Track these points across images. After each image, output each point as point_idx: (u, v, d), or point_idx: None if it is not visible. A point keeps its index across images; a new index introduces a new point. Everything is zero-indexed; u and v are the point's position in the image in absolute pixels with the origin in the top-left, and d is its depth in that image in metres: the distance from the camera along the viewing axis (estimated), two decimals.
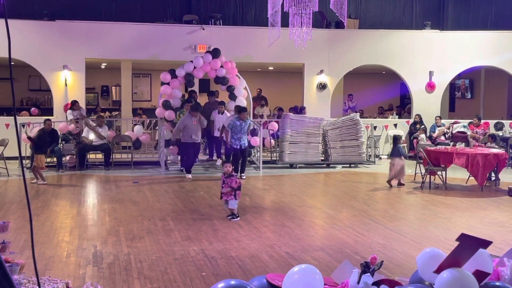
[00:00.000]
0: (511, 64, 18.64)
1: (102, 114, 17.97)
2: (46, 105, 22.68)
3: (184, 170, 13.92)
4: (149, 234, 8.08)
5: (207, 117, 14.92)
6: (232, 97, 15.16)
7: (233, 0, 21.36)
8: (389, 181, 12.62)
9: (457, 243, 3.47)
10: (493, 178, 12.79)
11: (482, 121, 17.83)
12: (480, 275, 3.48)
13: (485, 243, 3.43)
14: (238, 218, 8.99)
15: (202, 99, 17.05)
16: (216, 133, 14.76)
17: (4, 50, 13.10)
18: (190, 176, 13.40)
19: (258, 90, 22.38)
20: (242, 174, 13.43)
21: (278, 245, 7.53)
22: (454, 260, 3.40)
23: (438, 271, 3.42)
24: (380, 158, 17.58)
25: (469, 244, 3.39)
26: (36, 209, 9.74)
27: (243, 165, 13.65)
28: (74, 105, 16.14)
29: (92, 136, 14.85)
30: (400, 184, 12.61)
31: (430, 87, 18.72)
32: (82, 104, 16.92)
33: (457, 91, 24.37)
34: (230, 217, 9.03)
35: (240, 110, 13.70)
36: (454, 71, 18.99)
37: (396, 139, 13.26)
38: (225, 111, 14.92)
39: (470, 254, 3.41)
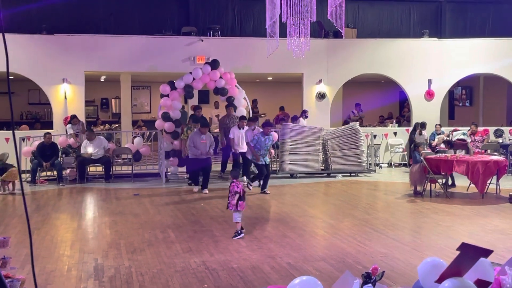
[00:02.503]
0: (510, 70, 18.67)
1: (101, 126, 17.95)
2: (46, 118, 22.76)
3: (192, 183, 13.59)
4: (150, 247, 8.07)
5: (225, 132, 14.64)
6: (232, 106, 15.17)
7: (231, 11, 21.46)
8: (415, 190, 12.62)
9: (458, 252, 3.46)
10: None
11: (482, 128, 17.83)
12: (481, 284, 3.47)
13: (486, 252, 3.42)
14: (242, 235, 8.56)
15: (202, 111, 17.02)
16: (237, 149, 14.09)
17: (3, 65, 13.11)
18: (196, 188, 13.15)
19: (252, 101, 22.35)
20: (265, 189, 12.93)
21: (280, 256, 7.52)
22: (456, 269, 3.39)
23: (440, 280, 3.41)
24: (381, 167, 17.58)
25: (470, 253, 3.38)
26: (37, 223, 9.73)
27: (266, 181, 13.05)
28: (72, 119, 16.14)
29: (90, 150, 14.83)
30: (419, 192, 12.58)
31: (429, 95, 18.75)
32: (82, 117, 16.93)
33: (456, 99, 24.42)
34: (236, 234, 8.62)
35: (264, 124, 13.14)
36: (452, 78, 19.02)
37: (415, 146, 13.24)
38: (245, 125, 14.09)
39: (471, 263, 3.40)
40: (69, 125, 16.23)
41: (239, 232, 8.55)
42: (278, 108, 21.63)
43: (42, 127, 18.96)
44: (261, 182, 13.11)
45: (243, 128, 13.99)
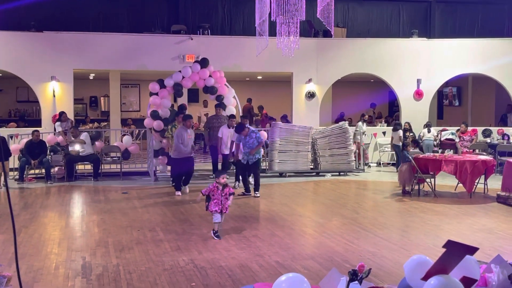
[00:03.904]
0: (498, 71, 18.79)
1: (90, 124, 17.85)
2: (34, 116, 22.65)
3: (174, 186, 12.99)
4: (138, 245, 8.05)
5: (215, 132, 14.15)
6: (222, 106, 15.14)
7: (221, 10, 21.43)
8: (403, 189, 12.69)
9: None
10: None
11: (471, 128, 17.93)
12: (467, 281, 3.50)
13: (472, 250, 3.45)
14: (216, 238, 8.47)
15: (192, 109, 17.00)
16: (225, 151, 13.63)
17: None
18: (179, 193, 12.57)
19: (247, 100, 22.34)
20: (256, 192, 12.38)
21: (268, 254, 7.52)
22: (441, 267, 3.41)
23: (426, 278, 3.44)
24: (370, 166, 17.63)
25: (455, 251, 3.41)
26: (25, 220, 9.68)
27: (256, 182, 12.53)
28: (61, 116, 16.07)
29: (77, 147, 14.76)
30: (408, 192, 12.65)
31: (418, 94, 18.82)
32: (71, 115, 16.85)
33: (445, 99, 24.54)
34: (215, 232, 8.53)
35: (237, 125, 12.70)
36: (441, 78, 19.10)
37: (404, 145, 13.34)
38: (234, 125, 13.39)
39: (457, 260, 3.42)
40: (57, 123, 16.16)
41: (215, 231, 8.48)
42: (268, 107, 21.64)
43: (29, 125, 18.81)
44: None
45: (232, 128, 13.46)
